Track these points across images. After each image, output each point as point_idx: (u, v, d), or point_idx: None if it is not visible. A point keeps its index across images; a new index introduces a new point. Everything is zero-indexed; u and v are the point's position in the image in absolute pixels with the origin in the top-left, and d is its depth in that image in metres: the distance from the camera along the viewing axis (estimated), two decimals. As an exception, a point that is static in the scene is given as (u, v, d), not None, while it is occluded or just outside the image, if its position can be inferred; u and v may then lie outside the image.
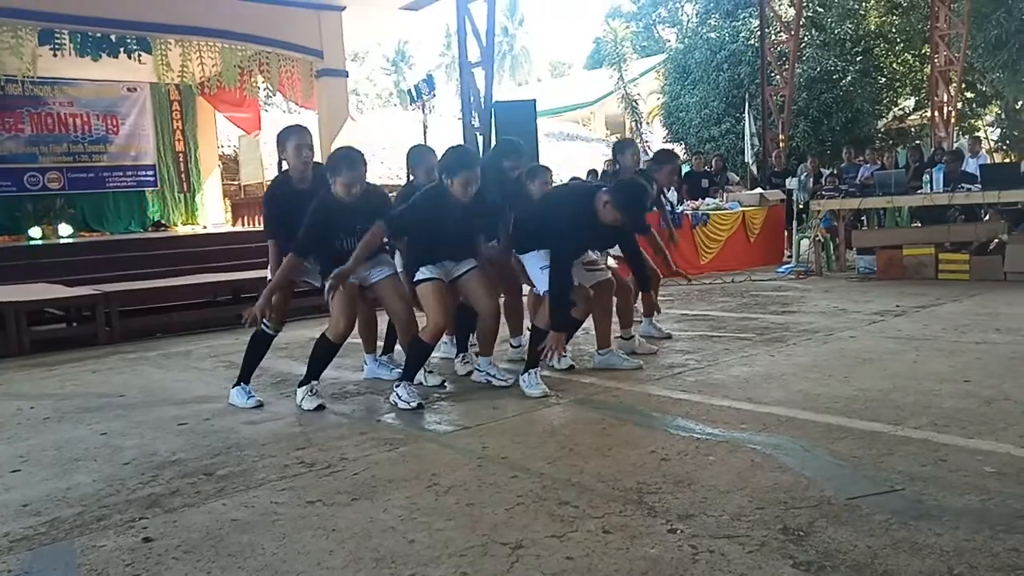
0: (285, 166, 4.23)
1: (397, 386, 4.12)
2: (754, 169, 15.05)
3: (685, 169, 13.86)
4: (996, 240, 7.95)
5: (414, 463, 3.17)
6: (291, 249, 4.01)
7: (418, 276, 4.14)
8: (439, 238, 4.14)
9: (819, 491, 2.61)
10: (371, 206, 4.08)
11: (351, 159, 3.96)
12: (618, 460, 3.05)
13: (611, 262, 4.76)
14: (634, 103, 27.66)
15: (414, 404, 4.02)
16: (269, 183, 4.59)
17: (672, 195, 10.46)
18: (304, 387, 4.22)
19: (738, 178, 13.51)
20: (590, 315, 4.55)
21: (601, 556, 2.24)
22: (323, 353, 4.22)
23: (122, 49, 12.28)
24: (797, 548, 2.21)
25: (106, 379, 5.36)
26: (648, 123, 28.16)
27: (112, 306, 7.04)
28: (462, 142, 9.29)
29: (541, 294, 4.36)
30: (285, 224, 4.12)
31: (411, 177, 4.90)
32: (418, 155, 4.89)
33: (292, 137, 4.15)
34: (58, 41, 11.66)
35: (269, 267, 4.36)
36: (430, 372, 4.56)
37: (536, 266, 4.33)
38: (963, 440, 3.04)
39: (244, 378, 4.44)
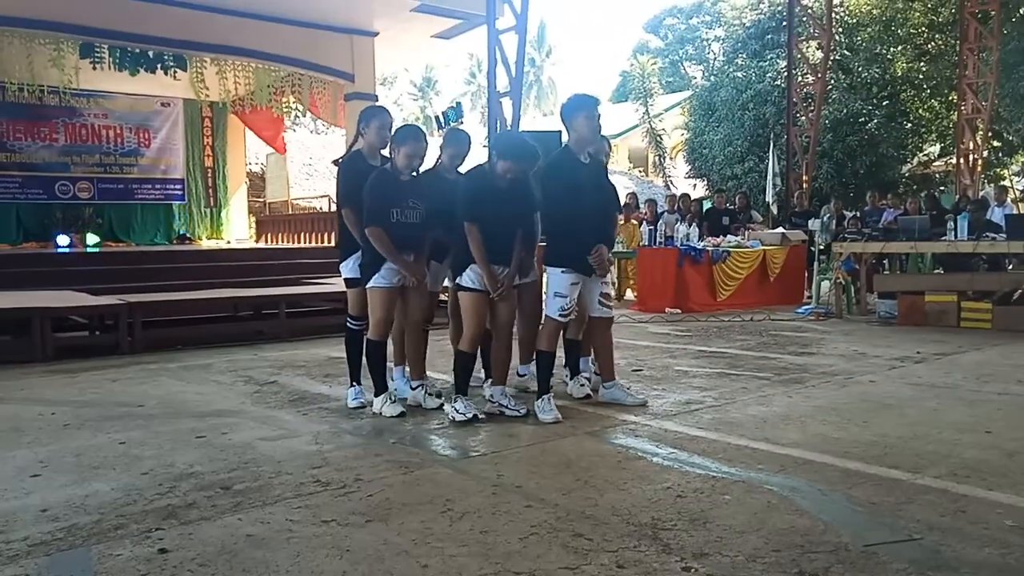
0: (359, 144, 4.55)
1: (454, 401, 4.24)
2: (774, 209, 15.05)
3: (707, 206, 13.91)
4: (1020, 291, 7.88)
5: (429, 487, 3.18)
6: (367, 224, 4.23)
7: (466, 282, 4.23)
8: (493, 227, 4.17)
9: (836, 536, 2.59)
10: (423, 185, 4.37)
11: (416, 133, 4.37)
12: (633, 494, 3.04)
13: (606, 289, 4.72)
14: (658, 138, 27.82)
15: (470, 415, 4.14)
16: (343, 157, 4.88)
17: (693, 231, 10.51)
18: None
19: (761, 217, 13.51)
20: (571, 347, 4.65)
21: (614, 591, 2.23)
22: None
23: (159, 65, 12.56)
24: (812, 593, 2.20)
25: (126, 388, 5.41)
26: (672, 158, 28.28)
27: (135, 316, 7.13)
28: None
29: (547, 316, 4.40)
30: (359, 194, 4.32)
31: (440, 160, 4.82)
32: (452, 137, 4.86)
33: (377, 117, 4.52)
34: (98, 55, 11.95)
35: (354, 232, 4.46)
36: (430, 395, 4.59)
37: (553, 289, 4.37)
38: (983, 492, 3.00)
39: (353, 378, 4.68)
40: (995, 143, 18.64)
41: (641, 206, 13.07)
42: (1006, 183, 17.62)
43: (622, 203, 12.09)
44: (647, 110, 27.86)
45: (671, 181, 27.72)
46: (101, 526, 2.79)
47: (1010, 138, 18.73)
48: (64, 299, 7.48)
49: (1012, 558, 2.41)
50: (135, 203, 16.37)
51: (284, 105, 14.90)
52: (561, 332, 4.52)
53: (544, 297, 4.64)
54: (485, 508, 2.90)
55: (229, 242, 17.04)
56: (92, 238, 14.84)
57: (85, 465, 3.55)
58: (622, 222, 11.20)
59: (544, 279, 4.74)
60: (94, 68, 12.15)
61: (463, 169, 4.72)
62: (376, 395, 4.43)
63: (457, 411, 4.17)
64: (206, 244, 16.58)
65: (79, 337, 7.50)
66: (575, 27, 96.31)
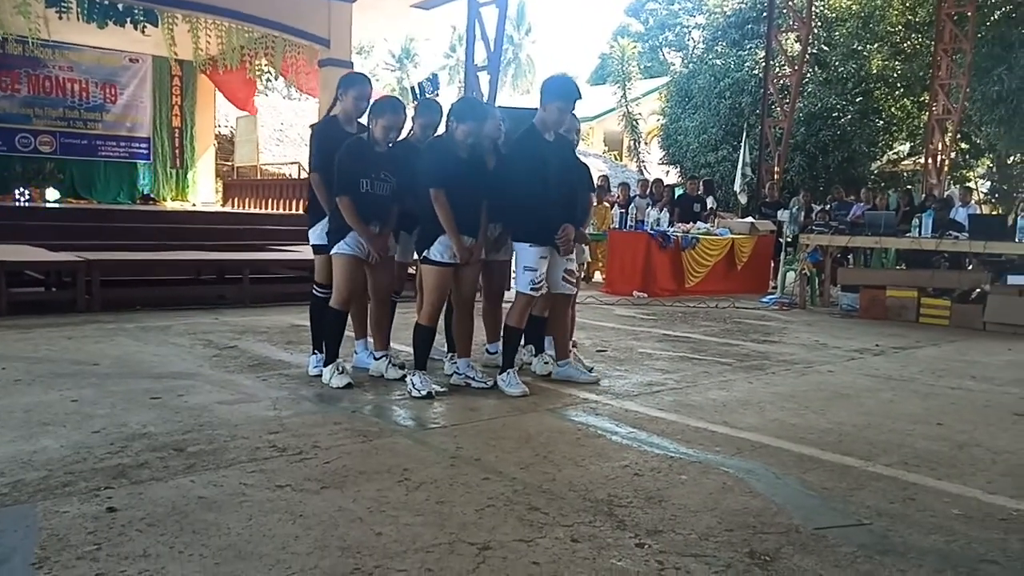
0: (336, 109, 4.47)
1: (413, 375, 4.19)
2: (742, 198, 15.15)
3: (679, 192, 13.95)
4: (978, 289, 8.04)
5: (387, 456, 3.16)
6: (337, 193, 4.17)
7: (434, 255, 4.17)
8: (459, 198, 4.13)
9: (788, 518, 2.62)
10: (397, 157, 4.30)
11: (395, 104, 4.30)
12: (591, 471, 3.05)
13: (571, 266, 4.70)
14: (634, 122, 27.84)
15: (424, 392, 4.09)
16: (318, 123, 4.85)
17: (663, 216, 10.55)
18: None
19: (715, 203, 13.36)
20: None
21: (567, 564, 2.23)
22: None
23: (128, 19, 12.22)
24: (762, 572, 2.22)
25: (81, 347, 5.30)
26: (647, 143, 28.33)
27: (94, 274, 6.96)
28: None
29: (518, 291, 4.39)
30: (331, 160, 4.26)
31: (412, 131, 4.76)
32: (424, 108, 4.80)
33: (356, 85, 4.44)
34: (65, 5, 11.57)
35: (320, 197, 4.42)
36: (394, 365, 4.56)
37: (522, 263, 4.35)
38: (932, 481, 3.06)
39: (316, 346, 4.62)
40: (963, 145, 18.95)
41: (614, 189, 13.06)
42: (971, 185, 17.95)
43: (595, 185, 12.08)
44: (625, 94, 27.83)
45: (645, 166, 27.79)
46: (48, 483, 2.73)
47: (978, 141, 19.06)
48: (21, 253, 7.28)
49: (956, 545, 2.46)
50: (99, 160, 15.98)
51: (257, 68, 14.60)
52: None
53: (513, 274, 4.62)
54: (442, 479, 2.89)
55: (195, 205, 16.74)
56: (53, 193, 14.47)
57: (34, 421, 3.47)
58: (595, 204, 11.19)
59: (513, 256, 4.72)
60: (60, 18, 11.76)
61: None
62: (325, 364, 4.39)
63: (414, 386, 4.14)
64: (170, 205, 16.27)
65: (35, 293, 7.32)
66: (556, 6, 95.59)
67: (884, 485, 3.00)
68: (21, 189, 13.87)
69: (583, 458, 3.21)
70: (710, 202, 12.88)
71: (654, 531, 2.48)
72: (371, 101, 4.43)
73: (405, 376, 4.36)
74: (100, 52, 15.44)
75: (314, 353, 4.64)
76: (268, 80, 18.24)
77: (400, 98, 4.27)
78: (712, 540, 2.43)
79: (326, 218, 4.41)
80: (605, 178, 13.43)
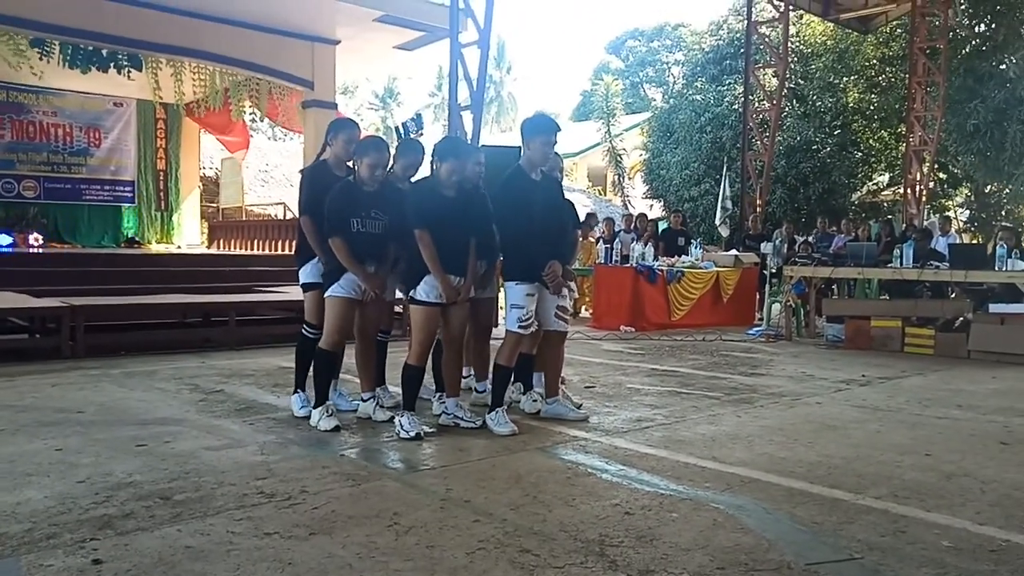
0: (326, 154, 4.54)
1: (401, 416, 4.18)
2: (723, 231, 15.29)
3: (663, 226, 14.07)
4: (961, 318, 8.13)
5: (375, 500, 3.13)
6: (329, 235, 4.20)
7: (420, 295, 4.18)
8: (445, 237, 4.15)
9: (780, 554, 2.62)
10: (387, 196, 4.36)
11: (379, 143, 4.39)
12: (582, 511, 3.03)
13: (564, 302, 4.73)
14: (618, 157, 28.13)
15: (413, 433, 4.08)
16: (308, 167, 4.93)
17: (648, 250, 10.62)
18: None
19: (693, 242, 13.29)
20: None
21: (560, 607, 2.22)
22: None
23: (112, 64, 12.29)
24: (755, 611, 2.21)
25: (66, 394, 5.24)
26: (630, 178, 28.59)
27: (78, 320, 6.92)
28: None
29: (508, 330, 4.40)
30: (321, 203, 4.30)
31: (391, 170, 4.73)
32: (406, 148, 4.86)
33: (345, 130, 4.52)
34: (48, 50, 11.63)
35: (311, 240, 4.44)
36: (381, 407, 4.54)
37: (510, 301, 4.38)
38: (922, 513, 3.07)
39: (298, 385, 4.67)
40: (941, 175, 19.25)
41: (601, 224, 13.15)
42: (950, 214, 18.20)
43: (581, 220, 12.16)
44: (609, 130, 28.16)
45: (629, 201, 28.02)
46: (32, 535, 2.69)
47: (955, 171, 19.36)
48: (4, 300, 7.23)
49: (948, 578, 2.46)
50: (83, 204, 15.95)
51: (240, 109, 14.69)
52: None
53: (502, 311, 4.64)
54: (432, 522, 2.87)
55: (180, 247, 16.69)
56: (36, 238, 14.40)
57: (18, 472, 3.42)
58: (581, 240, 11.26)
59: (502, 295, 4.75)
60: (41, 59, 11.77)
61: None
62: (315, 406, 4.37)
63: (403, 427, 4.12)
64: (156, 248, 16.22)
65: (18, 340, 7.25)
66: (536, 45, 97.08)
67: (874, 518, 3.00)
68: (5, 235, 13.78)
69: (574, 497, 3.20)
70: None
71: (646, 571, 2.47)
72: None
73: (393, 418, 4.34)
74: (84, 96, 15.51)
75: (296, 392, 4.62)
76: (253, 121, 18.32)
77: (383, 137, 4.32)
78: (704, 579, 2.42)
79: (315, 258, 4.43)
80: (593, 215, 13.50)
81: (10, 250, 13.03)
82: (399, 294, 4.77)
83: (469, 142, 10.93)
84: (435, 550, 2.61)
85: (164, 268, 11.40)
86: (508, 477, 3.49)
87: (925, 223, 14.52)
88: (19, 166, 15.11)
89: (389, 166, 4.75)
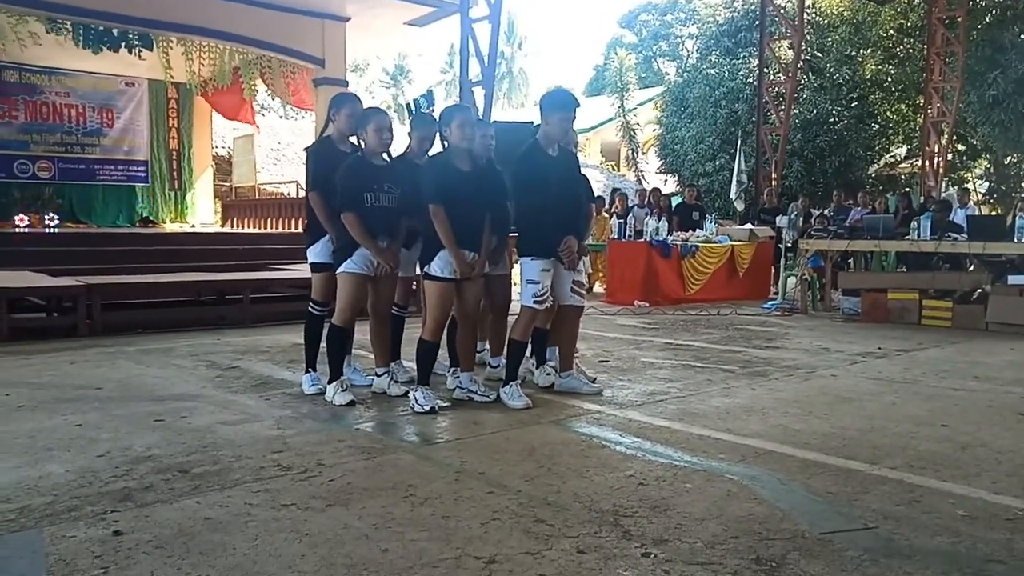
0: (330, 130, 4.54)
1: (415, 390, 4.19)
2: (738, 205, 15.18)
3: (676, 201, 13.98)
4: (979, 290, 8.05)
5: (391, 473, 3.16)
6: (342, 210, 4.19)
7: (434, 270, 4.18)
8: (460, 212, 4.14)
9: (793, 524, 2.62)
10: (397, 170, 4.35)
11: (378, 109, 4.42)
12: (595, 482, 3.05)
13: (579, 277, 4.72)
14: (632, 132, 27.92)
15: (427, 407, 4.09)
16: (313, 144, 4.92)
17: (662, 225, 10.57)
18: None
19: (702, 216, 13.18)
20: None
21: (574, 575, 2.23)
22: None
23: (123, 44, 12.28)
24: (769, 579, 2.22)
25: (83, 371, 5.30)
26: (644, 153, 28.39)
27: (94, 299, 6.98)
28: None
29: (523, 305, 4.40)
30: (328, 178, 4.31)
31: (409, 146, 4.81)
32: (419, 121, 4.84)
33: (348, 104, 4.50)
34: (60, 30, 11.64)
35: (320, 216, 4.43)
36: (396, 382, 4.57)
37: (525, 277, 4.37)
38: (937, 483, 3.06)
39: (309, 364, 4.68)
40: (959, 147, 18.99)
41: (631, 199, 13.07)
42: (968, 186, 17.96)
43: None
44: (623, 104, 27.91)
45: (643, 176, 27.83)
46: (54, 508, 2.73)
47: (974, 142, 19.09)
48: (21, 279, 7.30)
49: (963, 547, 2.46)
50: (97, 184, 16.02)
51: (252, 88, 14.66)
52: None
53: (517, 287, 4.63)
54: (447, 494, 2.89)
55: (193, 226, 16.76)
56: (52, 219, 14.51)
57: (39, 447, 3.47)
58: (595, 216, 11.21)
59: (516, 270, 4.74)
60: (54, 36, 11.78)
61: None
62: (330, 381, 4.39)
63: (417, 401, 4.14)
64: (170, 227, 16.30)
65: (36, 319, 7.32)
66: (548, 19, 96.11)
67: (889, 488, 2.99)
68: (22, 215, 13.90)
69: (587, 469, 3.21)
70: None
71: (660, 540, 2.48)
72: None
73: (408, 392, 4.37)
74: (96, 77, 15.52)
75: (308, 371, 4.64)
76: (265, 99, 18.30)
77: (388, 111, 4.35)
78: (718, 548, 2.42)
79: (325, 237, 4.43)
80: (620, 193, 13.32)
81: (26, 230, 13.14)
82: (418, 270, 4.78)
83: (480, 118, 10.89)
84: (450, 520, 2.63)
85: (178, 247, 11.46)
86: (522, 449, 3.51)
87: (943, 195, 14.35)
88: (33, 147, 15.17)
89: (407, 145, 4.77)
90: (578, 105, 4.46)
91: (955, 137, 17.39)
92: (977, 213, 14.63)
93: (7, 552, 2.38)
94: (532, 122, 6.37)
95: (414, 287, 5.40)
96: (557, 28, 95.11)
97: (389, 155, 4.42)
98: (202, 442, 3.56)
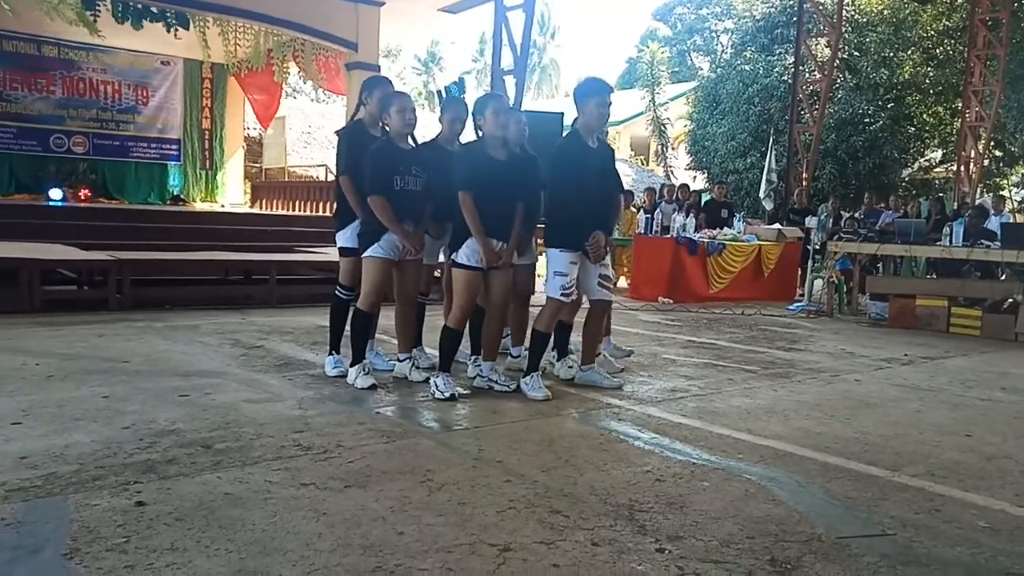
0: (361, 114, 4.56)
1: (436, 376, 4.22)
2: (767, 205, 15.03)
3: (705, 198, 13.87)
4: (1010, 300, 7.91)
5: (409, 457, 3.18)
6: (370, 193, 4.20)
7: (461, 258, 4.19)
8: (490, 201, 4.14)
9: (810, 527, 2.61)
10: (424, 156, 4.37)
11: (399, 92, 4.41)
12: (613, 476, 3.05)
13: (606, 271, 4.71)
14: (663, 126, 27.73)
15: (448, 394, 4.11)
16: (345, 127, 4.98)
17: (689, 221, 10.50)
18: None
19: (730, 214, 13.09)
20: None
21: (587, 567, 2.24)
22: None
23: (161, 22, 12.40)
24: (784, 580, 2.21)
25: (112, 344, 5.39)
26: (674, 148, 28.20)
27: (125, 273, 7.09)
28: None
29: (548, 296, 4.40)
30: (360, 163, 4.33)
31: (440, 132, 4.80)
32: (449, 104, 4.85)
33: (380, 88, 4.50)
34: (98, 7, 11.77)
35: (351, 199, 4.46)
36: (417, 368, 4.59)
37: (552, 268, 4.36)
38: (959, 492, 3.02)
39: (333, 347, 4.70)
40: (996, 152, 18.65)
41: (640, 194, 13.01)
42: (1004, 193, 17.65)
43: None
44: (654, 98, 27.72)
45: (672, 171, 27.66)
46: (80, 476, 2.78)
47: (1012, 148, 18.75)
48: (54, 252, 7.43)
49: (982, 557, 2.43)
50: (130, 161, 16.25)
51: (284, 70, 14.75)
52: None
53: (539, 278, 4.64)
54: (464, 480, 2.91)
55: (223, 206, 16.94)
56: (85, 193, 14.74)
57: (67, 416, 3.54)
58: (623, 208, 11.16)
59: (543, 260, 4.73)
60: (94, 18, 11.94)
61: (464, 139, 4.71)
62: (352, 364, 4.42)
63: (438, 388, 4.17)
64: (200, 206, 16.49)
65: (67, 291, 7.46)
66: (582, 10, 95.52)
67: (910, 495, 2.96)
68: (56, 189, 14.12)
69: (605, 463, 3.22)
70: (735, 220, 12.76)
71: (675, 536, 2.48)
72: None
73: (428, 378, 4.39)
74: (133, 55, 15.71)
75: (331, 354, 4.68)
76: (296, 82, 18.40)
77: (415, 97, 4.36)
78: (733, 547, 2.42)
79: (356, 222, 4.45)
80: (649, 189, 13.21)
81: (60, 204, 13.36)
82: (441, 257, 4.80)
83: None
84: (466, 507, 2.65)
85: (208, 226, 11.58)
86: (540, 440, 3.52)
87: (978, 201, 14.11)
88: (69, 122, 15.40)
89: (439, 130, 4.77)
90: (611, 90, 4.42)
91: (992, 143, 17.08)
92: (1012, 221, 14.35)
93: (34, 517, 2.43)
94: (562, 113, 6.34)
95: (437, 274, 5.41)
96: (591, 19, 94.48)
97: (415, 140, 4.43)
98: (225, 419, 3.61)
